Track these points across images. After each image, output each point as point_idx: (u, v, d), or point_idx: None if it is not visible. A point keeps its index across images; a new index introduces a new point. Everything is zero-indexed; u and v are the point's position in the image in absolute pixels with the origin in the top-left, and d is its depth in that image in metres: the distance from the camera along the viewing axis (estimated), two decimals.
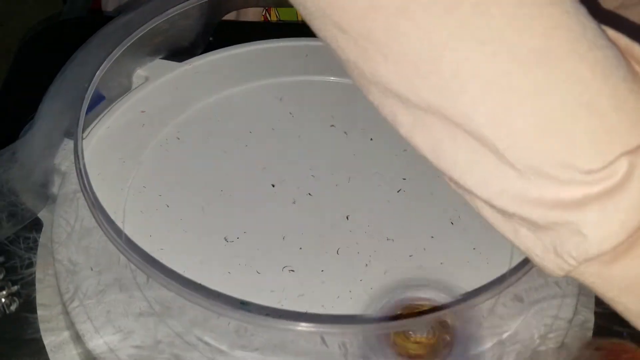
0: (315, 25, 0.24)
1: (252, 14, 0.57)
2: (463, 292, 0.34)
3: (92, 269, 0.33)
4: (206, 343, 0.30)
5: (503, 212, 0.24)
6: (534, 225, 0.23)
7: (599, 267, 0.23)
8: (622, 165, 0.22)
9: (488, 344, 0.31)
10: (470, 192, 0.24)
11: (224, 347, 0.31)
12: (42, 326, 0.33)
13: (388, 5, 0.22)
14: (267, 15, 0.60)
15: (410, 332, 0.32)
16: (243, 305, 0.33)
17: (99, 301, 0.32)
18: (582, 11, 0.23)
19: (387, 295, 0.34)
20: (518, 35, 0.22)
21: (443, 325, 0.32)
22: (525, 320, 0.32)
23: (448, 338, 0.32)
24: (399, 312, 0.33)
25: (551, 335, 0.31)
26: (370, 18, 0.22)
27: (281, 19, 0.59)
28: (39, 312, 0.33)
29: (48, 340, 0.32)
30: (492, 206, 0.24)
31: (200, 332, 0.31)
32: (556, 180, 0.22)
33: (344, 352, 0.31)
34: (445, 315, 0.32)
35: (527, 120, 0.22)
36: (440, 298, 0.33)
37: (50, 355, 0.31)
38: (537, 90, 0.22)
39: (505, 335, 0.31)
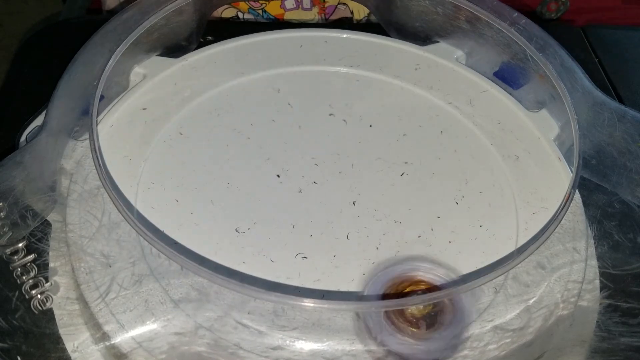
0: None
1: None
2: (466, 270, 0.35)
3: (125, 261, 0.33)
4: (245, 325, 0.31)
5: None
6: None
7: None
8: None
9: (515, 311, 0.32)
10: None
11: (263, 329, 0.31)
12: (76, 320, 0.33)
13: None
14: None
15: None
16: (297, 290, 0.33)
17: (136, 291, 0.32)
18: None
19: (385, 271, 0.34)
20: None
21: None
22: (549, 286, 0.33)
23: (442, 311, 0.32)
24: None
25: (572, 299, 0.32)
26: None
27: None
28: (70, 307, 0.33)
29: (84, 334, 0.32)
30: None
31: (238, 315, 0.31)
32: None
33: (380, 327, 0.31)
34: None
35: None
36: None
37: (89, 349, 0.32)
38: None
39: (531, 302, 0.32)
